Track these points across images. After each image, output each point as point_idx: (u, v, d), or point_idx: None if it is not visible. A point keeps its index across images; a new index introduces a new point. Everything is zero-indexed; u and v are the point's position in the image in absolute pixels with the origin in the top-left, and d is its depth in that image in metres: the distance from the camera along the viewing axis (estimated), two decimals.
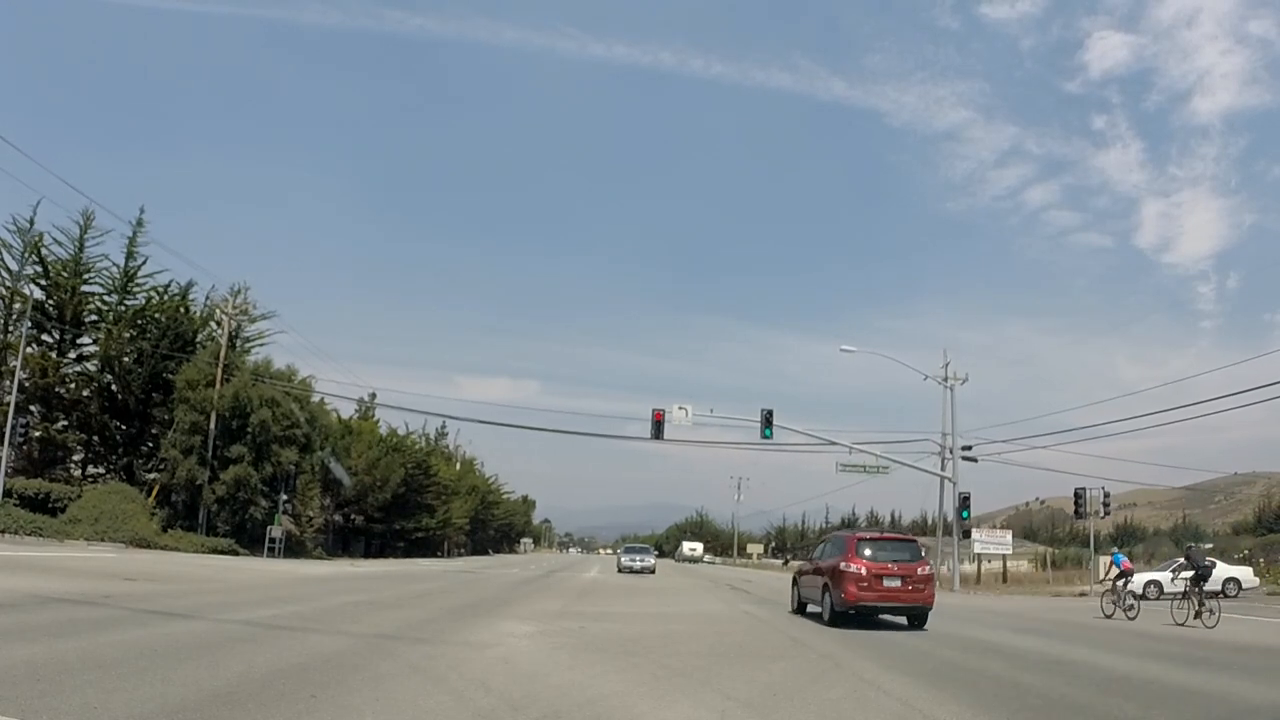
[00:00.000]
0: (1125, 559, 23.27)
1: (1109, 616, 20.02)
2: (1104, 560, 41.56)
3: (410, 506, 58.97)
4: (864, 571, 14.87)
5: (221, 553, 33.49)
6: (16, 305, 35.01)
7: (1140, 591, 30.20)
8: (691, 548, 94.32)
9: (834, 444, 39.62)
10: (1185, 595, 18.60)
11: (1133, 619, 19.25)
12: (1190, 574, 18.50)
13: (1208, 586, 18.48)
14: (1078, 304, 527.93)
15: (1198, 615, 17.35)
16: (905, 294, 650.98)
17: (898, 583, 14.90)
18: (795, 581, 18.85)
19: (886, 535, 18.12)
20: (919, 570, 15.28)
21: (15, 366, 32.59)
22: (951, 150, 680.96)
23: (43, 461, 36.58)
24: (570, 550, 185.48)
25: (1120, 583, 20.96)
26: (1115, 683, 8.69)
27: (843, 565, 15.17)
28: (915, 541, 17.66)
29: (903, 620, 15.54)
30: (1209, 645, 13.22)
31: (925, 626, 15.20)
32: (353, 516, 56.63)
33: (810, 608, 17.27)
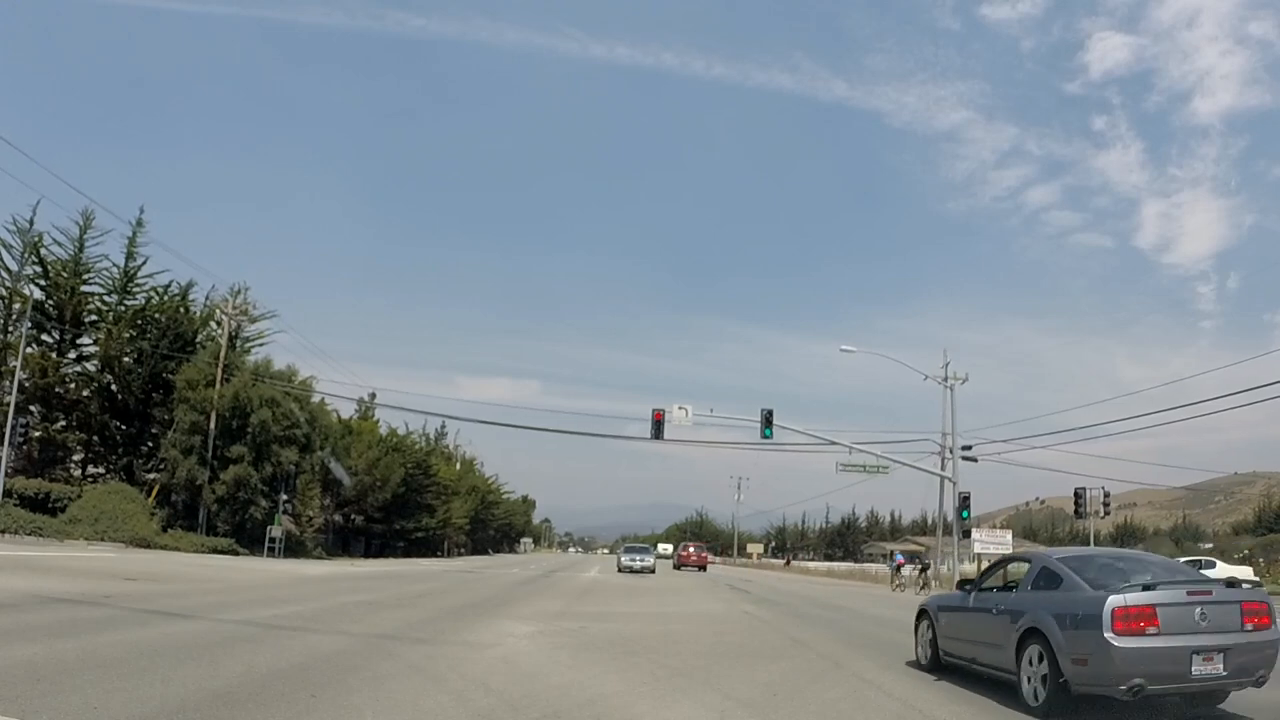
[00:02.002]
0: (901, 558, 42.45)
1: (894, 591, 34.52)
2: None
3: (410, 506, 58.96)
4: (683, 554, 57.38)
5: (221, 552, 33.49)
6: (16, 305, 35.00)
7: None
8: (664, 547, 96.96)
9: (834, 444, 39.59)
10: (920, 579, 34.47)
11: (903, 594, 32.47)
12: (921, 566, 36.46)
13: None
14: (1078, 304, 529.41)
15: (924, 588, 31.63)
16: (905, 294, 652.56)
17: (695, 557, 55.34)
18: (674, 558, 62.63)
19: (692, 542, 70.83)
20: (704, 555, 58.33)
21: (15, 366, 32.58)
22: (952, 151, 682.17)
23: (43, 461, 36.57)
24: (570, 550, 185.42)
25: (898, 573, 38.68)
26: None
27: (679, 551, 61.24)
28: (704, 542, 77.51)
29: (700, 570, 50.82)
30: None
31: (705, 570, 52.32)
32: (353, 516, 56.63)
33: (676, 568, 52.45)
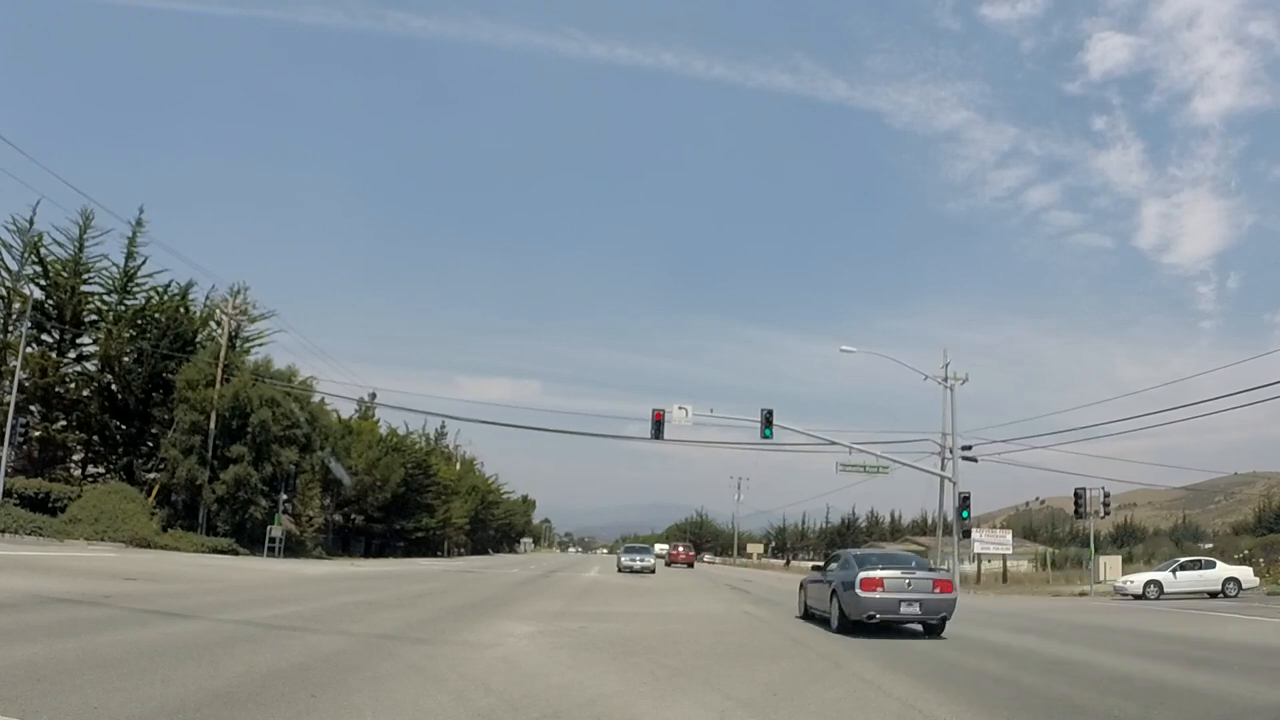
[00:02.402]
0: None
1: None
2: (1104, 561, 41.59)
3: (410, 506, 58.95)
4: (673, 553, 65.58)
5: (221, 552, 33.48)
6: (16, 305, 34.99)
7: (1141, 591, 30.28)
8: (660, 548, 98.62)
9: (834, 444, 39.62)
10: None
11: None
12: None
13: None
14: (1078, 304, 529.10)
15: None
16: (905, 294, 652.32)
17: (683, 555, 63.42)
18: (665, 557, 64.78)
19: (680, 543, 79.70)
20: (691, 554, 67.14)
21: (15, 366, 32.57)
22: (952, 151, 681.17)
23: (43, 461, 36.57)
24: (570, 550, 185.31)
25: None
26: (1115, 683, 8.69)
27: (670, 551, 69.36)
28: (691, 543, 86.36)
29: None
30: (1209, 645, 13.21)
31: (693, 566, 60.41)
32: (353, 516, 56.62)
33: (667, 565, 57.44)
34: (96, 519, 32.11)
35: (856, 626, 13.12)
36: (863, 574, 13.08)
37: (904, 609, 12.93)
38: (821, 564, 16.91)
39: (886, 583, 12.99)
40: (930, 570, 14.24)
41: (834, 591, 13.68)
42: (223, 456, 36.57)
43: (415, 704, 6.20)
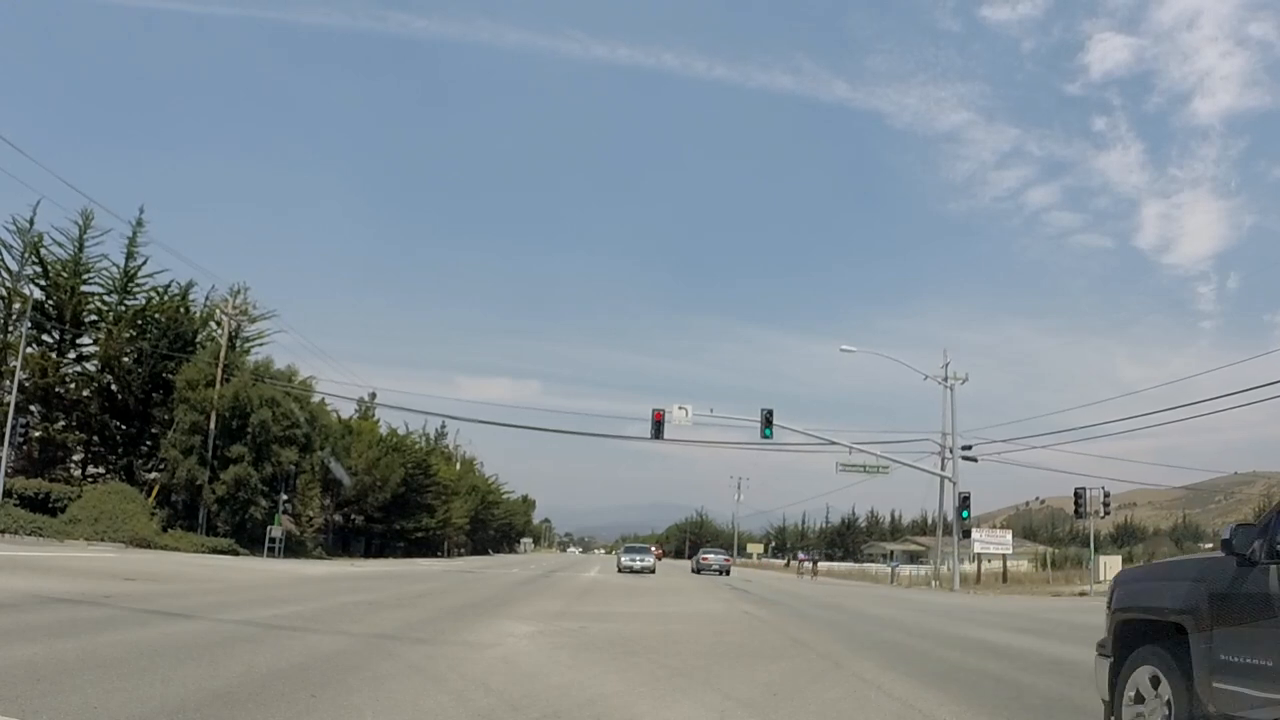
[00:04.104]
0: (803, 554, 68.10)
1: (799, 577, 53.74)
2: (1104, 561, 41.63)
3: (410, 506, 58.95)
4: (661, 551, 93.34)
5: (221, 552, 33.49)
6: (16, 305, 35.00)
7: None
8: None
9: (834, 444, 39.69)
10: (811, 568, 61.43)
11: (800, 577, 52.75)
12: (812, 560, 65.04)
13: None
14: (1078, 304, 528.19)
15: (815, 576, 56.23)
16: (905, 294, 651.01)
17: (658, 553, 71.25)
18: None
19: (657, 545, 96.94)
20: (660, 551, 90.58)
21: (15, 366, 32.59)
22: (952, 151, 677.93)
23: (43, 461, 36.58)
24: (570, 550, 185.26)
25: (800, 565, 62.37)
26: None
27: (656, 550, 76.26)
28: (661, 545, 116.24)
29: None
30: None
31: (661, 560, 74.26)
32: (353, 516, 56.62)
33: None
34: (96, 519, 32.12)
35: (698, 571, 49.19)
36: (701, 554, 53.81)
37: (714, 566, 49.06)
38: (698, 554, 50.87)
39: (709, 558, 51.10)
40: (725, 553, 58.57)
41: (695, 559, 55.20)
42: (223, 456, 36.57)
43: (415, 704, 6.19)
